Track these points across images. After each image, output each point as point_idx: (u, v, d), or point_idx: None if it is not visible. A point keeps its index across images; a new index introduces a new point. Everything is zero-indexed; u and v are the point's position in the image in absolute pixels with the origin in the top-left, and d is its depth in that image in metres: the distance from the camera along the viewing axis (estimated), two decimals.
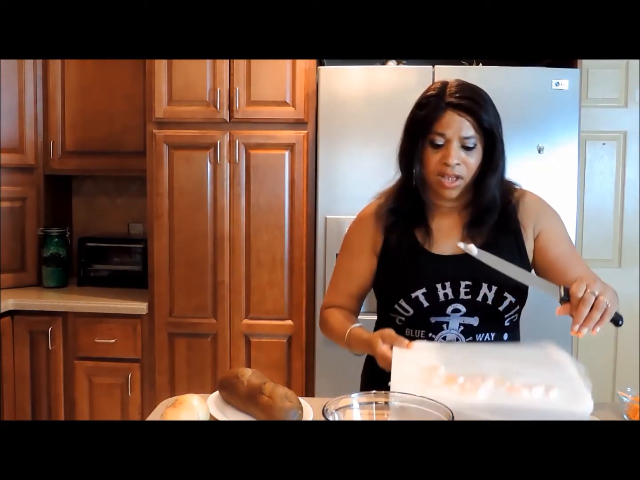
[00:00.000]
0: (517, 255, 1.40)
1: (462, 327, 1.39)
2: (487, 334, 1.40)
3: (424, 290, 1.38)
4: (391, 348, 1.26)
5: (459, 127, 1.31)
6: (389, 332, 1.31)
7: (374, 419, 1.10)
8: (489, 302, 1.37)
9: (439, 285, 1.37)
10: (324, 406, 1.04)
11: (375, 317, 1.54)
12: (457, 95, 1.33)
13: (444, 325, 1.39)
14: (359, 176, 2.47)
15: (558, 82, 2.42)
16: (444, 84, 1.36)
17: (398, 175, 1.44)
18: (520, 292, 1.40)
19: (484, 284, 1.36)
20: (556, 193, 2.44)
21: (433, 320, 1.39)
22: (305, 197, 2.61)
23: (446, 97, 1.33)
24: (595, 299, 1.15)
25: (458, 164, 1.32)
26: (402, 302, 1.40)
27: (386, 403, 1.11)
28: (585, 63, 2.70)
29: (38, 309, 2.69)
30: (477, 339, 1.39)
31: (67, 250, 3.02)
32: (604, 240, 2.96)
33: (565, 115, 2.44)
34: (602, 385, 2.95)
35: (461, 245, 1.27)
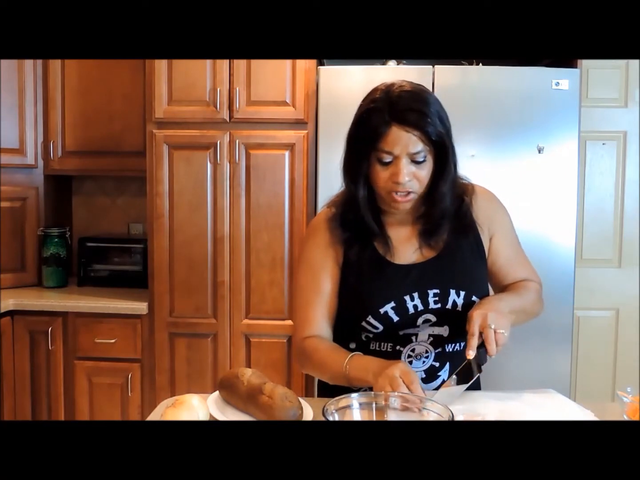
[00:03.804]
0: (477, 255, 1.37)
1: (431, 338, 1.35)
2: (457, 344, 1.37)
3: (392, 304, 1.32)
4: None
5: (406, 143, 1.23)
6: (399, 383, 1.15)
7: (374, 419, 1.10)
8: (459, 308, 1.32)
9: (407, 297, 1.32)
10: (324, 406, 1.04)
11: None
12: (401, 107, 1.23)
13: (413, 338, 1.35)
14: None
15: (558, 82, 2.42)
16: (387, 92, 1.26)
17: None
18: (485, 293, 1.37)
19: (451, 290, 1.32)
20: (556, 193, 2.45)
21: (402, 332, 1.34)
22: (305, 197, 2.61)
23: (390, 111, 1.23)
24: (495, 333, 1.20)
25: (409, 180, 1.26)
26: (370, 319, 1.33)
27: (386, 403, 1.11)
28: (585, 63, 2.70)
29: (38, 309, 2.70)
30: (447, 350, 1.37)
31: (67, 250, 3.02)
32: (604, 240, 2.96)
33: (565, 115, 2.44)
34: (602, 385, 2.95)
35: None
